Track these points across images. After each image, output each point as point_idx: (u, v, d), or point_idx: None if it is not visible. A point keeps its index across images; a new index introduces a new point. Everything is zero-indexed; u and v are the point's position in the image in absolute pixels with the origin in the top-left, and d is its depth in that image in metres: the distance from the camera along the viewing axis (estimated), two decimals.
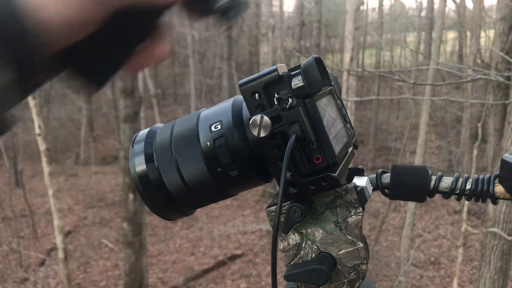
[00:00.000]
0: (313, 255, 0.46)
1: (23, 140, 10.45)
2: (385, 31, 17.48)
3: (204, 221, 9.38)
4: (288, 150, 0.40)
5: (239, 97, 0.48)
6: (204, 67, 15.66)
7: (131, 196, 4.58)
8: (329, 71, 0.50)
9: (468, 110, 9.75)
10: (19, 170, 10.17)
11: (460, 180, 0.47)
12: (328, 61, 5.46)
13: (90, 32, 0.33)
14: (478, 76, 3.53)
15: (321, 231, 0.45)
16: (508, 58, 3.62)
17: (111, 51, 0.37)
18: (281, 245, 0.47)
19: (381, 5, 18.84)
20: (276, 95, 0.42)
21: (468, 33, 12.59)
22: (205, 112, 0.49)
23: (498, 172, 0.46)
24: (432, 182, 0.47)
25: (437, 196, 0.48)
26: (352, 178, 0.46)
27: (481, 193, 0.46)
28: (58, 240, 5.46)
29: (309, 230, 0.46)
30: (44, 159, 5.10)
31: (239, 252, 8.26)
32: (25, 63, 0.29)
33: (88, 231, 9.17)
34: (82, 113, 13.40)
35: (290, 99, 0.42)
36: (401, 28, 18.39)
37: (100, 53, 0.37)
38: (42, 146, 4.51)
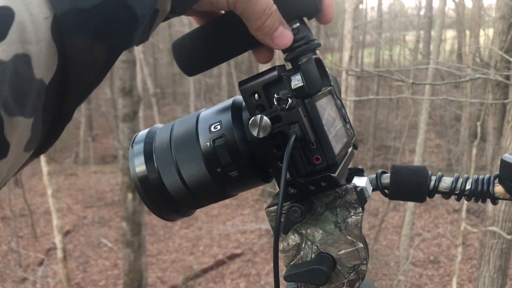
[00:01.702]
0: (313, 256, 0.46)
1: None
2: (384, 30, 17.48)
3: (204, 221, 9.39)
4: (287, 151, 0.40)
5: (239, 97, 0.48)
6: None
7: (130, 195, 4.58)
8: (328, 71, 0.49)
9: (467, 109, 9.76)
10: None
11: (460, 180, 0.46)
12: (327, 61, 5.46)
13: (216, 9, 0.41)
14: (477, 75, 3.53)
15: (320, 231, 0.45)
16: (507, 57, 3.63)
17: (212, 46, 0.45)
18: (281, 245, 0.47)
19: (380, 4, 18.89)
20: (275, 95, 0.42)
21: (468, 32, 12.59)
22: (204, 113, 0.48)
23: (498, 172, 0.46)
24: (432, 182, 0.47)
25: (437, 195, 0.48)
26: (352, 178, 0.46)
27: (481, 194, 0.46)
28: (57, 239, 5.47)
29: (308, 230, 0.46)
30: (43, 159, 5.09)
31: (238, 251, 8.27)
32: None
33: (87, 231, 9.17)
34: (81, 113, 13.38)
35: (289, 99, 0.42)
36: (400, 27, 18.38)
37: (205, 44, 0.45)
38: None
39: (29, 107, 0.29)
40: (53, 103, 0.32)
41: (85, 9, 0.30)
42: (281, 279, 0.44)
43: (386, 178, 0.49)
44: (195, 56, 0.45)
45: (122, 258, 5.00)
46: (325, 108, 0.45)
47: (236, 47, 0.45)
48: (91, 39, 0.31)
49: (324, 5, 0.44)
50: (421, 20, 14.60)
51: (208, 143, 0.46)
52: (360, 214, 0.44)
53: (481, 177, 0.46)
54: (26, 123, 0.29)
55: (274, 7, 0.40)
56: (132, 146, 0.49)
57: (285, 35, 0.42)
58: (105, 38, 0.32)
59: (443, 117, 13.40)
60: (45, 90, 0.30)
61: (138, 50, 8.53)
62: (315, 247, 0.46)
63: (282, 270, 0.46)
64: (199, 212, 8.97)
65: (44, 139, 0.33)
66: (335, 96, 0.50)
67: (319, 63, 0.44)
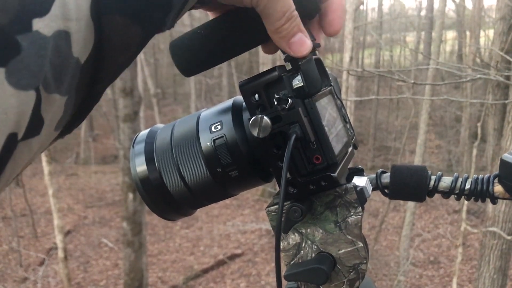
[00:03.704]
0: (313, 255, 0.46)
1: None
2: (384, 31, 17.49)
3: (204, 221, 9.39)
4: (288, 150, 0.40)
5: (239, 97, 0.48)
6: None
7: (130, 195, 4.58)
8: (328, 71, 0.50)
9: (468, 109, 9.76)
10: None
11: (460, 179, 0.47)
12: (327, 61, 5.47)
13: (239, 4, 0.39)
14: (478, 76, 3.53)
15: (321, 230, 0.45)
16: (507, 57, 3.63)
17: (211, 46, 0.43)
18: (281, 245, 0.47)
19: (380, 4, 18.86)
20: (276, 96, 0.42)
21: (468, 33, 12.59)
22: (205, 113, 0.49)
23: (497, 172, 0.46)
24: (432, 182, 0.47)
25: (437, 196, 0.48)
26: (352, 178, 0.46)
27: (480, 193, 0.46)
28: (58, 239, 5.47)
29: (309, 230, 0.46)
30: (44, 159, 5.10)
31: (238, 251, 8.27)
32: None
33: (88, 231, 9.17)
34: None
35: (290, 99, 0.42)
36: (400, 27, 18.39)
37: (204, 44, 0.43)
38: None
39: (65, 85, 0.29)
40: (85, 83, 0.32)
41: None
42: (281, 278, 0.44)
43: (386, 178, 0.49)
44: (193, 56, 0.45)
45: (123, 258, 5.00)
46: (326, 108, 0.45)
47: (235, 47, 0.44)
48: (127, 19, 0.31)
49: (330, 8, 0.43)
50: (422, 21, 14.60)
51: (208, 143, 0.46)
52: (360, 214, 0.44)
53: (480, 176, 0.46)
54: (60, 101, 0.29)
55: (295, 12, 0.39)
56: (133, 146, 0.49)
57: (303, 43, 0.41)
58: (141, 19, 0.32)
59: (444, 118, 13.40)
60: (80, 69, 0.30)
61: None
62: (315, 247, 0.46)
63: (283, 270, 0.46)
64: (199, 212, 8.98)
65: (72, 119, 0.33)
66: (335, 96, 0.50)
67: (319, 63, 0.44)
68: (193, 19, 10.79)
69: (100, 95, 0.34)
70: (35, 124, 0.28)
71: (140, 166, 0.48)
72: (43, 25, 0.27)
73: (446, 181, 0.47)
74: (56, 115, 0.30)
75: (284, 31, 0.39)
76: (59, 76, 0.28)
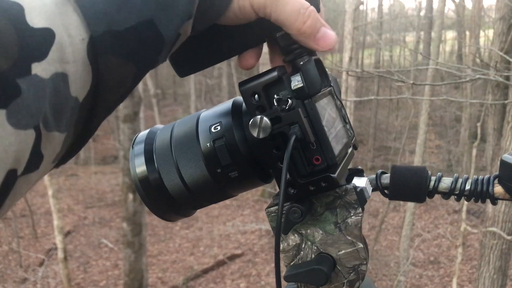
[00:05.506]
0: (313, 256, 0.46)
1: None
2: (384, 31, 17.48)
3: (204, 221, 9.39)
4: (287, 151, 0.40)
5: (239, 98, 0.48)
6: None
7: (130, 196, 4.58)
8: (328, 72, 0.50)
9: (467, 109, 9.77)
10: None
11: (460, 180, 0.47)
12: (327, 61, 5.46)
13: (242, 21, 0.39)
14: (478, 76, 3.53)
15: (320, 231, 0.45)
16: (507, 57, 3.63)
17: (205, 47, 0.43)
18: (281, 245, 0.47)
19: (380, 5, 18.88)
20: (275, 96, 0.42)
21: (467, 33, 12.61)
22: (204, 113, 0.49)
23: (497, 173, 0.46)
24: (432, 183, 0.47)
25: (437, 196, 0.48)
26: (352, 179, 0.46)
27: (480, 194, 0.46)
28: (58, 240, 5.47)
29: (308, 230, 0.46)
30: None
31: (238, 251, 8.27)
32: (204, 11, 0.37)
33: (88, 231, 9.17)
34: None
35: (289, 100, 0.41)
36: (400, 28, 18.40)
37: (198, 44, 0.43)
38: None
39: (64, 123, 0.31)
40: (83, 119, 0.33)
41: (119, 31, 0.32)
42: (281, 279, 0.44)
43: (386, 179, 0.49)
44: (188, 56, 0.45)
45: (123, 258, 5.00)
46: (325, 108, 0.45)
47: (230, 49, 0.44)
48: (122, 59, 0.33)
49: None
50: (421, 21, 14.61)
51: (208, 144, 0.46)
52: (360, 215, 0.44)
53: (480, 177, 0.46)
54: (60, 138, 0.31)
55: (311, 7, 0.39)
56: (132, 147, 0.49)
57: (329, 36, 0.40)
58: (135, 58, 0.33)
59: (443, 118, 13.41)
60: (78, 107, 0.32)
61: None
62: (315, 247, 0.46)
63: (282, 271, 0.46)
64: (199, 213, 8.98)
65: (67, 152, 0.35)
66: (335, 97, 0.50)
67: (319, 63, 0.44)
68: None
69: (95, 128, 0.36)
70: (35, 160, 0.29)
71: (140, 167, 0.47)
72: (41, 69, 0.28)
73: (446, 182, 0.47)
74: (55, 150, 0.31)
75: (308, 30, 0.39)
76: (58, 115, 0.30)
